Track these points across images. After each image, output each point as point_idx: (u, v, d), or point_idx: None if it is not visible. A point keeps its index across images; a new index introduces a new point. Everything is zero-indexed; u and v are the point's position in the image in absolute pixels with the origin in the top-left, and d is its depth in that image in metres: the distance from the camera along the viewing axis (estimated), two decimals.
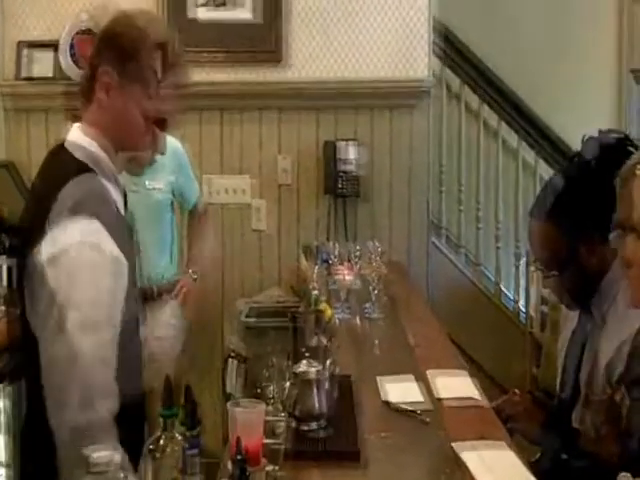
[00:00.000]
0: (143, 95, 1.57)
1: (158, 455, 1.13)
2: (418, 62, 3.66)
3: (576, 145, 3.24)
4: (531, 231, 1.94)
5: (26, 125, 3.63)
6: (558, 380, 2.04)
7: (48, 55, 3.56)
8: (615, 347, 1.79)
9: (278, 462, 1.48)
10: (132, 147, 1.66)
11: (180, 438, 1.18)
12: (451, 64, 4.14)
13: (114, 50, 1.56)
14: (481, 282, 4.06)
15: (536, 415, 1.87)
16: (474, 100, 4.20)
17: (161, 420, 1.16)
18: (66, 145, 1.60)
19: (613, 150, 1.87)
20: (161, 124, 1.64)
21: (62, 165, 1.58)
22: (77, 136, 1.59)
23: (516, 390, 2.01)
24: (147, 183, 2.95)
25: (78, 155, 1.57)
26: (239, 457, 1.14)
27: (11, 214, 2.86)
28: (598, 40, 4.73)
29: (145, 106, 1.58)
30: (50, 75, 3.56)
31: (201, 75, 3.61)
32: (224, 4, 3.58)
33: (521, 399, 1.91)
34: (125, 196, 1.69)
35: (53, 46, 3.54)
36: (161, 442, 1.14)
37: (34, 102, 3.58)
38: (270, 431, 1.61)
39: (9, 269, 2.66)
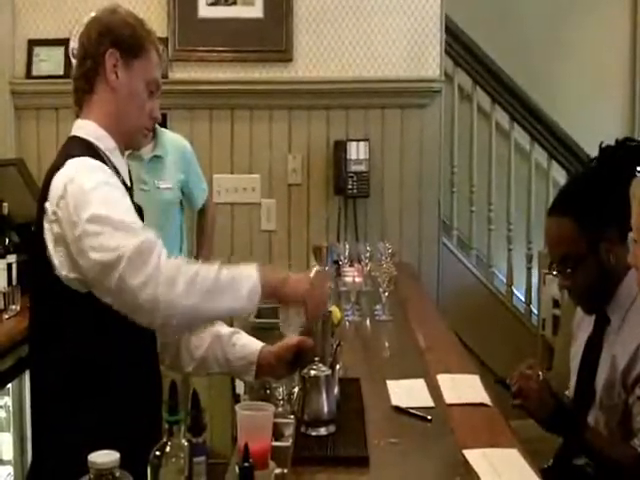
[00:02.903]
0: (147, 69, 1.65)
1: (164, 461, 1.12)
2: (430, 61, 3.64)
3: (588, 145, 3.23)
4: (550, 227, 1.93)
5: (36, 123, 3.63)
6: (572, 384, 2.02)
7: (58, 53, 3.56)
8: (632, 352, 1.77)
9: (286, 465, 1.47)
10: (134, 128, 1.69)
11: (186, 444, 1.16)
12: (463, 64, 4.11)
13: (113, 34, 1.63)
14: (492, 284, 4.03)
15: (547, 399, 1.84)
16: (486, 100, 4.17)
17: (167, 426, 1.14)
18: (71, 133, 1.66)
19: (613, 149, 1.88)
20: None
21: (65, 147, 1.63)
22: (79, 123, 1.65)
23: (532, 360, 1.98)
24: (156, 182, 2.94)
25: (81, 133, 1.63)
26: (246, 464, 1.12)
27: (19, 211, 2.86)
28: (611, 37, 4.70)
29: (149, 79, 1.65)
30: (60, 73, 3.55)
31: (211, 73, 3.61)
32: (235, 3, 3.57)
33: (535, 376, 1.87)
34: (129, 172, 1.73)
35: (63, 44, 3.54)
36: (167, 449, 1.12)
37: (44, 100, 3.58)
38: (279, 433, 1.59)
39: (11, 266, 2.68)
